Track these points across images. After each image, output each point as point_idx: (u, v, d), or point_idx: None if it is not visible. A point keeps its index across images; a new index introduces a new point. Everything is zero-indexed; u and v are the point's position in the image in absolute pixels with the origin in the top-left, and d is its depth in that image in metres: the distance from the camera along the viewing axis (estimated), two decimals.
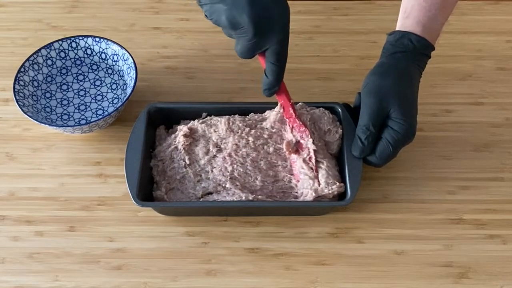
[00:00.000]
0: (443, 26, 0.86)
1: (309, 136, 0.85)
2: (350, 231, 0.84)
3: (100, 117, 0.91)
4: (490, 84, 0.99)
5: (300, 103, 0.89)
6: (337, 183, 0.83)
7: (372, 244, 0.83)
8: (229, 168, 0.85)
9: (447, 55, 1.02)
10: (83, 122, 0.93)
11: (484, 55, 1.02)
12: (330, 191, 0.82)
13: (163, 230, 0.84)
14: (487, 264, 0.81)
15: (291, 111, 0.85)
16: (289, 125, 0.86)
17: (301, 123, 0.85)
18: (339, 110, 0.88)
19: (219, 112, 0.89)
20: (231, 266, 0.81)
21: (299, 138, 0.86)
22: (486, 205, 0.86)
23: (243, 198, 0.82)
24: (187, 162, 0.85)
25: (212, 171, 0.85)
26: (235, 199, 0.82)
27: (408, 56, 0.84)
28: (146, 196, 0.84)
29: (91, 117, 0.94)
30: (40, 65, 0.96)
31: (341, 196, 0.84)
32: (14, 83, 0.92)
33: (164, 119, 0.90)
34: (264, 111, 0.89)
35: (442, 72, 1.00)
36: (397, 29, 0.86)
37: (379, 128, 0.83)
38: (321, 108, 0.89)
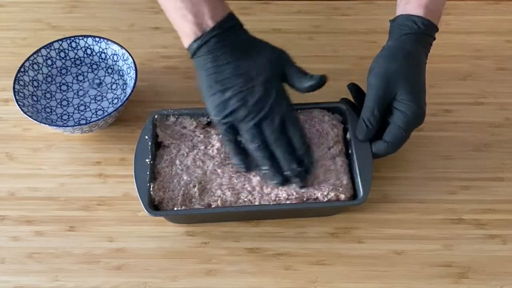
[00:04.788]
0: (443, 7, 0.86)
1: None
2: (350, 231, 0.84)
3: (100, 117, 0.91)
4: (490, 84, 0.98)
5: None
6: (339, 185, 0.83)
7: (372, 244, 0.83)
8: (220, 171, 0.84)
9: (447, 55, 1.02)
10: (83, 122, 0.93)
11: (484, 55, 1.02)
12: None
13: (163, 230, 0.84)
14: (487, 264, 0.81)
15: None
16: None
17: None
18: (345, 109, 0.88)
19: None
20: (231, 266, 0.81)
21: None
22: (486, 205, 0.86)
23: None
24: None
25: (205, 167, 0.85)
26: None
27: (414, 38, 0.84)
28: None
29: (91, 117, 0.94)
30: (40, 65, 0.96)
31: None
32: (14, 83, 0.92)
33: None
34: None
35: (442, 72, 1.00)
36: (398, 14, 0.86)
37: (383, 112, 0.83)
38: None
